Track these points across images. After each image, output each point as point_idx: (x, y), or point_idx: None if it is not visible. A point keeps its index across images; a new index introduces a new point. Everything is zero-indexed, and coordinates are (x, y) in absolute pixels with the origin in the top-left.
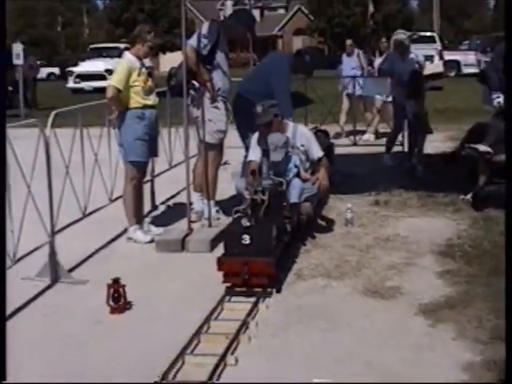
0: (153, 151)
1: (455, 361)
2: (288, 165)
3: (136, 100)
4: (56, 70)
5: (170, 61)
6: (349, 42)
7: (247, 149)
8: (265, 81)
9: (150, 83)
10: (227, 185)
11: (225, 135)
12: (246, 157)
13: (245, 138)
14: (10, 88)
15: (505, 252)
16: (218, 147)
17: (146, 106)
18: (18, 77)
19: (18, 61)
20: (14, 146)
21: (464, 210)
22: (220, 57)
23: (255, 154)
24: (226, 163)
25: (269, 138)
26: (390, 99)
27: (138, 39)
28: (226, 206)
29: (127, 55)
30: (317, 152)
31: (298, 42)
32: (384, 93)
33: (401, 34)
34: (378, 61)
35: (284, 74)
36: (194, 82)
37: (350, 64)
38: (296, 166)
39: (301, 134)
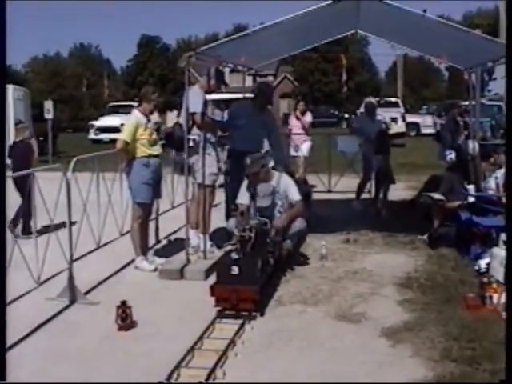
0: (157, 194)
1: (411, 375)
2: (274, 210)
3: (142, 150)
4: None
5: (176, 117)
6: None
7: (227, 193)
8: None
9: (154, 136)
10: (220, 222)
11: (217, 177)
12: (226, 198)
13: (232, 182)
14: (41, 138)
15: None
16: (211, 188)
17: (151, 156)
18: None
19: (49, 115)
20: (40, 186)
21: (421, 248)
22: (208, 113)
23: (244, 198)
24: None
25: (258, 187)
26: (299, 154)
27: (144, 99)
28: (218, 241)
29: (135, 112)
30: (295, 196)
31: (284, 104)
32: (355, 149)
33: (371, 99)
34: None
35: (248, 116)
36: (190, 137)
37: None
38: (280, 212)
39: (284, 181)
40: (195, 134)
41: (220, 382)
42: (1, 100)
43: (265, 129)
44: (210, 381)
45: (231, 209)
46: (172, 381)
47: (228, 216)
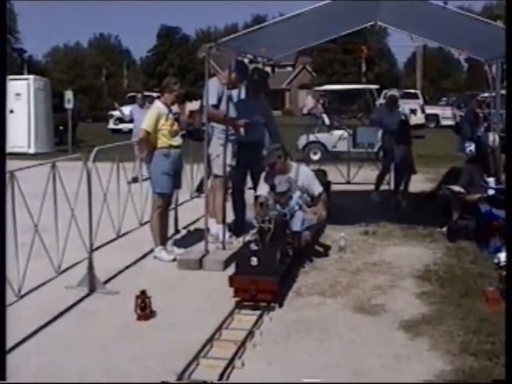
0: (176, 184)
1: (429, 369)
2: (291, 201)
3: (163, 141)
4: None
5: (194, 108)
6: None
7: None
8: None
9: (175, 127)
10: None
11: (231, 169)
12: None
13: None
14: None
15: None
16: (223, 179)
17: (171, 146)
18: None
19: (69, 105)
20: (61, 175)
21: (440, 241)
22: (224, 105)
23: (263, 190)
24: None
25: (276, 178)
26: None
27: (167, 89)
28: (237, 232)
29: (157, 103)
30: (317, 188)
31: (302, 95)
32: (375, 140)
33: (395, 91)
34: None
35: (246, 104)
36: (205, 128)
37: None
38: (298, 204)
39: (302, 173)
40: (210, 125)
41: (222, 382)
42: (1, 98)
43: (262, 114)
44: (223, 380)
45: (236, 199)
46: (189, 371)
47: (235, 206)
